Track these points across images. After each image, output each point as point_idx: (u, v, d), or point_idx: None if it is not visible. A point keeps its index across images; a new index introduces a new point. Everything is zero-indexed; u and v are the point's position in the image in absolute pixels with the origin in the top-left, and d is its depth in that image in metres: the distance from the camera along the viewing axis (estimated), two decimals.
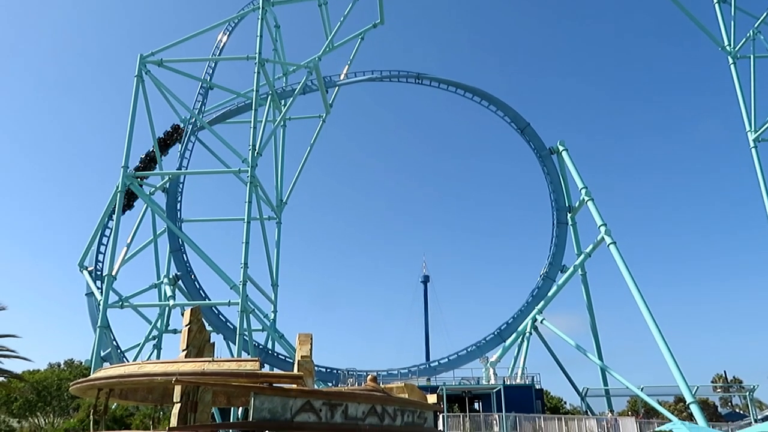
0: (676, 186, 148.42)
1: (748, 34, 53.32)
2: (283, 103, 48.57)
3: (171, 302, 40.79)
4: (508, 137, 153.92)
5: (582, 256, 47.47)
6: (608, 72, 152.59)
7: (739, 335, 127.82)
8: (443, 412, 31.63)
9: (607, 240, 42.07)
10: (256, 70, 40.80)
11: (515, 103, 74.49)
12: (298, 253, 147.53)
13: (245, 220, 36.98)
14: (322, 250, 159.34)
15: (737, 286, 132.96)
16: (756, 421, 37.86)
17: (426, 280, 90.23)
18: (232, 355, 37.67)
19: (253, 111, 39.90)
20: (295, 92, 48.08)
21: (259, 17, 42.45)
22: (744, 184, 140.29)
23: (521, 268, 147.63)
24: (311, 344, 8.08)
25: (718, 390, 59.28)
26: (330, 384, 41.30)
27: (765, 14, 49.23)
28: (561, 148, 49.66)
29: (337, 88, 54.61)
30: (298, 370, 7.76)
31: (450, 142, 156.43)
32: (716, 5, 50.04)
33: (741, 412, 57.42)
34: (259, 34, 41.84)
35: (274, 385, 7.65)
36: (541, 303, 46.84)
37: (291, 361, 40.86)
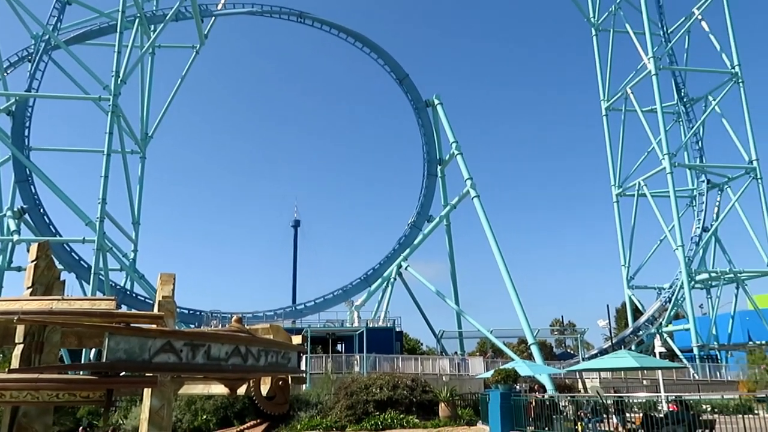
0: (541, 141, 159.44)
1: (610, 9, 57.51)
2: (152, 29, 45.02)
3: (15, 237, 37.42)
4: (388, 87, 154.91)
5: (448, 208, 49.80)
6: (489, 31, 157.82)
7: (582, 282, 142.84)
8: (307, 353, 32.35)
9: (472, 193, 44.41)
10: None
11: (398, 54, 75.06)
12: (163, 191, 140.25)
13: (105, 153, 34.80)
14: (189, 189, 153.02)
15: (586, 241, 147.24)
16: (584, 359, 42.89)
17: (297, 224, 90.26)
18: (86, 295, 35.59)
19: (117, 34, 36.93)
20: (167, 17, 44.63)
21: None
22: (597, 146, 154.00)
23: (391, 216, 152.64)
24: (174, 284, 7.85)
25: (555, 333, 66.33)
26: (193, 326, 40.52)
27: None
28: (436, 101, 50.94)
29: (213, 18, 51.35)
30: (159, 311, 7.55)
31: (328, 87, 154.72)
32: None
33: (572, 352, 64.79)
34: None
35: (132, 325, 7.39)
36: (407, 250, 48.87)
37: (151, 302, 39.40)
